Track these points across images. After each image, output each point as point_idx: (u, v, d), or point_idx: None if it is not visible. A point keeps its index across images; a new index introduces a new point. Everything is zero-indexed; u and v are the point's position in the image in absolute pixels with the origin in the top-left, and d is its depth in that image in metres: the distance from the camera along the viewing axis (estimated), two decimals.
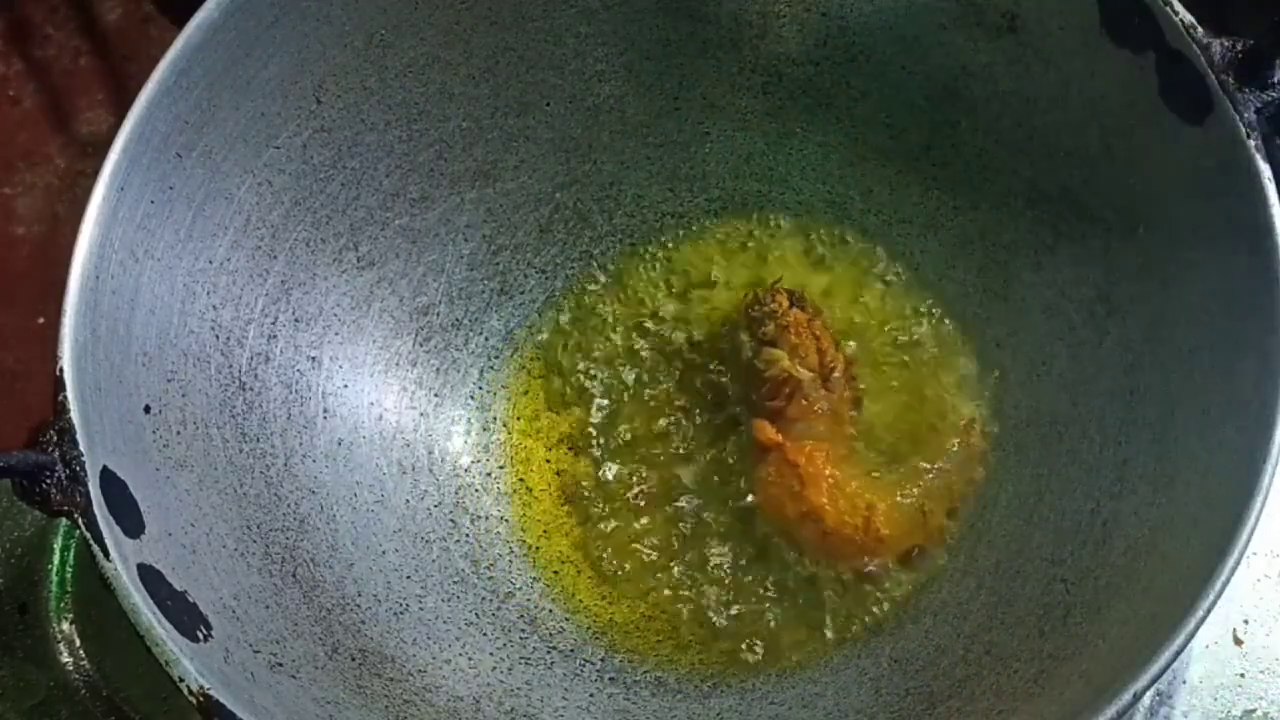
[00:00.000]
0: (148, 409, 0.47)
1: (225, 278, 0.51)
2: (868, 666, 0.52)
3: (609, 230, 0.61)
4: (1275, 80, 0.45)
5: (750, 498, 0.55)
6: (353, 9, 0.52)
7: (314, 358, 0.55)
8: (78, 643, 0.58)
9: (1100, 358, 0.52)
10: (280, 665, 0.45)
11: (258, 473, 0.51)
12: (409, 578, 0.54)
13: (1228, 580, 0.40)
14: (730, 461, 0.57)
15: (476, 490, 0.58)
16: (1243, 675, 0.54)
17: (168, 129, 0.48)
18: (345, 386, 0.56)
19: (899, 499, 0.54)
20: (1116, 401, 0.51)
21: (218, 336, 0.51)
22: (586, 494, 0.58)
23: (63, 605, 0.59)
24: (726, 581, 0.55)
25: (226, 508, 0.48)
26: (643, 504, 0.57)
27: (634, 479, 0.58)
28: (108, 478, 0.43)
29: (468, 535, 0.57)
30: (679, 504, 0.57)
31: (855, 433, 0.55)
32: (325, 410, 0.55)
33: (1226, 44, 0.45)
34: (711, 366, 0.58)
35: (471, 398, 0.59)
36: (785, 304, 0.56)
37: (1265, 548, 0.56)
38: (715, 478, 0.57)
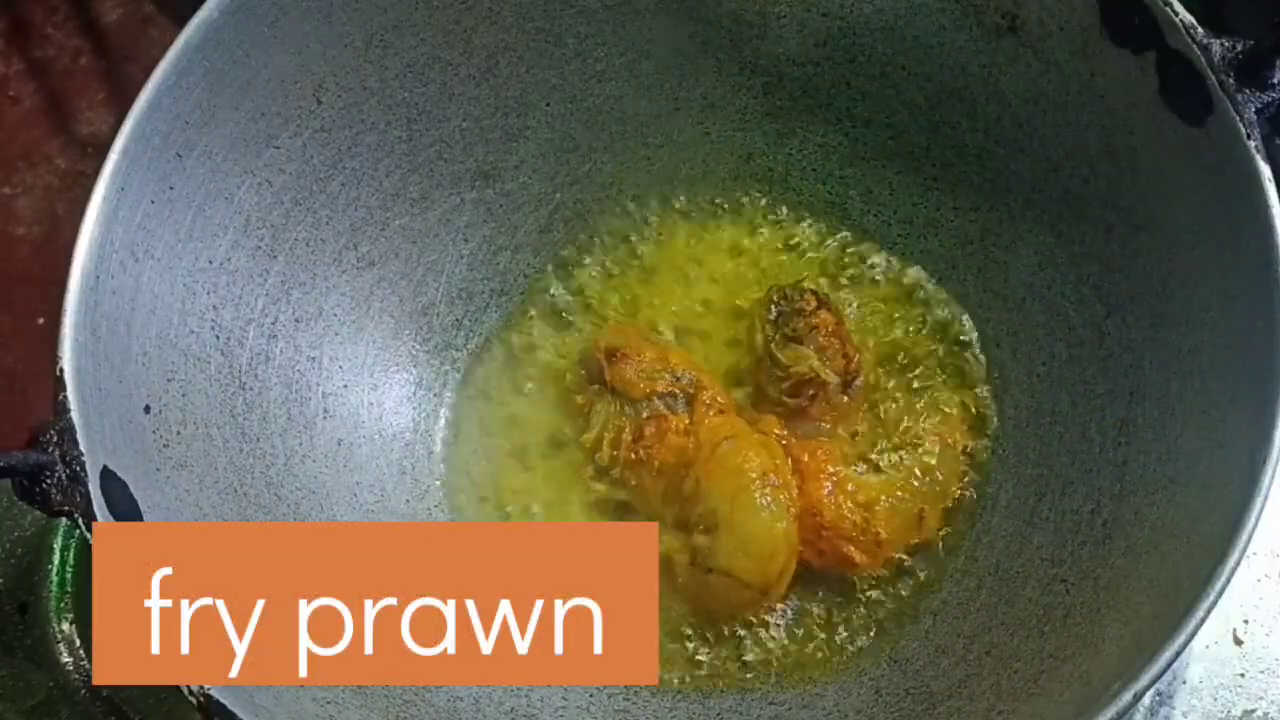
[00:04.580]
0: (148, 409, 0.47)
1: (225, 278, 0.51)
2: (867, 666, 0.52)
3: (609, 230, 0.61)
4: (1275, 80, 0.45)
5: None
6: (353, 9, 0.52)
7: (314, 358, 0.55)
8: (78, 643, 0.58)
9: (1100, 357, 0.52)
10: None
11: (258, 473, 0.51)
12: None
13: (1228, 580, 0.40)
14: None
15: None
16: (1243, 675, 0.54)
17: (168, 129, 0.48)
18: (345, 386, 0.56)
19: (897, 501, 0.54)
20: (1116, 401, 0.51)
21: (218, 336, 0.51)
22: (586, 491, 0.58)
23: (63, 605, 0.59)
24: None
25: (226, 508, 0.48)
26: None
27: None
28: (108, 478, 0.43)
29: None
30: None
31: (858, 434, 0.55)
32: (325, 410, 0.55)
33: (1226, 44, 0.45)
34: (711, 362, 0.59)
35: (471, 398, 0.59)
36: (813, 304, 0.56)
37: (1265, 548, 0.56)
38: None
